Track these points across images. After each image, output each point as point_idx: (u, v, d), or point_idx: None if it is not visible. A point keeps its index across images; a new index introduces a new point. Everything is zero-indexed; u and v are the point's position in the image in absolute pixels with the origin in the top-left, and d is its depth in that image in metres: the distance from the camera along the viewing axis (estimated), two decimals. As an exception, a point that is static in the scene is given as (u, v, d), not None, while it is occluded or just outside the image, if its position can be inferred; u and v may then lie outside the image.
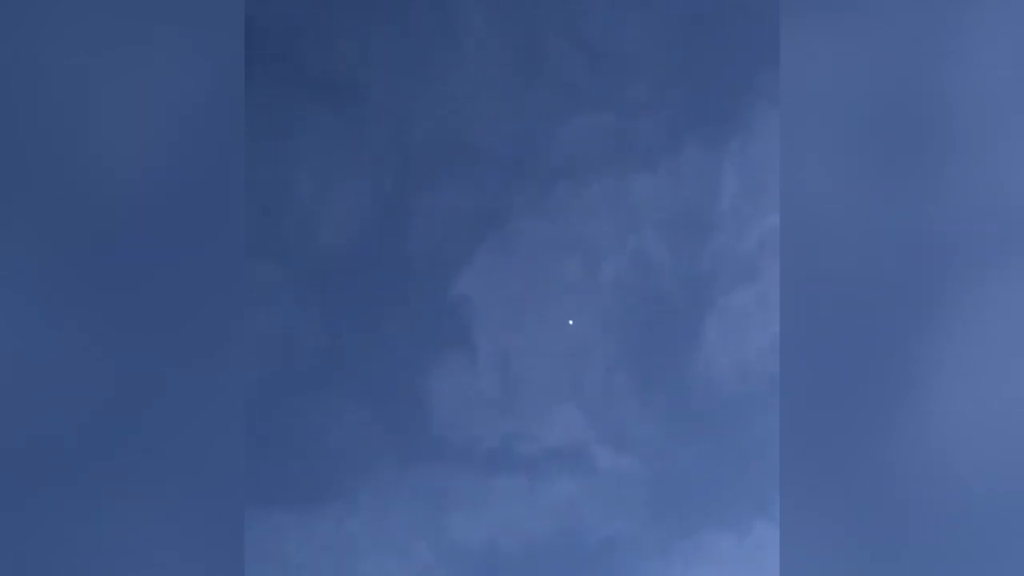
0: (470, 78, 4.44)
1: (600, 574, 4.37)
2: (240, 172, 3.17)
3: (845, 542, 3.06)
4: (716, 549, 4.35)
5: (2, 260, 3.09)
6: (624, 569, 4.36)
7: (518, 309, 4.38)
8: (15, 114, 3.11)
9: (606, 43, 4.43)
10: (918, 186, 3.11)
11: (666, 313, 4.37)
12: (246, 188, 4.30)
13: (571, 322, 4.33)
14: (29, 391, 3.09)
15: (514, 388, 4.38)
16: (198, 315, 3.15)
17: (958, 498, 3.05)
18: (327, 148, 4.42)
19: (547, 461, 4.37)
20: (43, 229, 3.11)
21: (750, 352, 4.37)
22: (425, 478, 4.36)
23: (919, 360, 3.08)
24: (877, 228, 3.09)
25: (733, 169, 4.38)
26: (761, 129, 4.38)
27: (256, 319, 4.37)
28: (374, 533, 4.34)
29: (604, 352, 4.37)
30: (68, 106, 3.14)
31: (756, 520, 4.34)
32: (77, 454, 3.10)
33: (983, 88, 3.10)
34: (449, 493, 4.36)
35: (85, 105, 3.14)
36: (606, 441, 4.36)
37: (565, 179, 4.40)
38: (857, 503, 3.06)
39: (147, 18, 3.15)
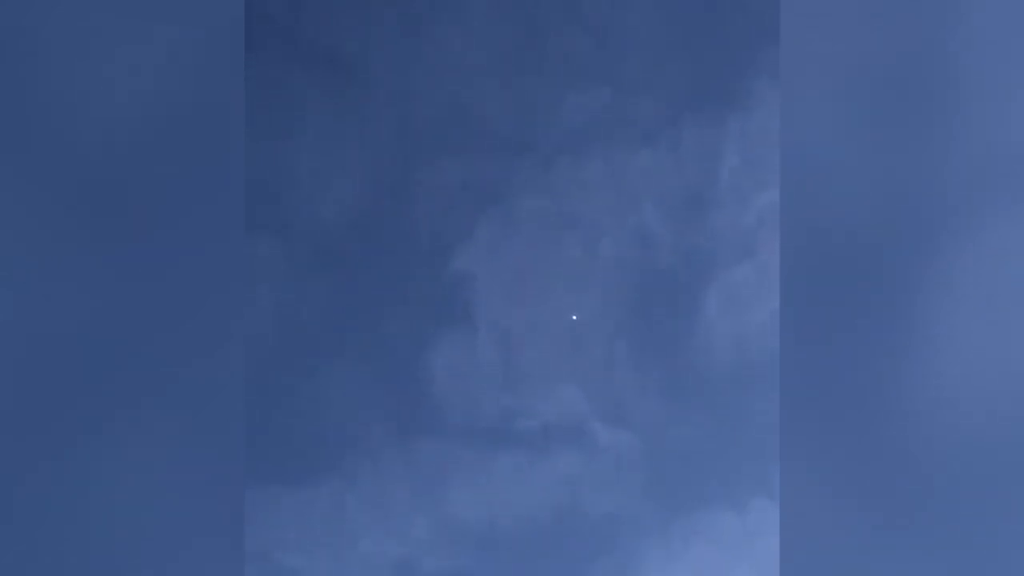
0: (471, 55, 4.42)
1: (599, 550, 4.37)
2: (240, 148, 3.16)
3: (845, 516, 3.06)
4: (715, 525, 4.35)
5: (10, 250, 3.08)
6: (623, 545, 4.37)
7: (518, 285, 4.38)
8: (12, 93, 3.10)
9: (606, 20, 4.42)
10: (916, 159, 3.10)
11: (666, 289, 4.37)
12: (247, 165, 4.29)
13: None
14: (25, 376, 3.09)
15: (514, 364, 4.38)
16: (198, 292, 3.15)
17: (960, 470, 3.05)
18: (328, 125, 4.41)
19: (547, 437, 4.37)
20: (46, 206, 3.10)
21: (749, 327, 4.37)
22: (424, 454, 4.37)
23: (918, 334, 3.07)
24: (875, 198, 3.08)
25: (733, 145, 4.37)
26: (760, 105, 4.37)
27: (256, 295, 4.37)
28: (373, 509, 4.35)
29: (604, 328, 4.37)
30: (69, 89, 3.12)
31: (755, 496, 4.35)
32: (79, 434, 3.10)
33: (983, 60, 3.08)
34: (448, 469, 4.36)
35: (86, 84, 3.13)
36: (606, 417, 4.36)
37: (565, 155, 4.39)
38: (857, 476, 3.06)
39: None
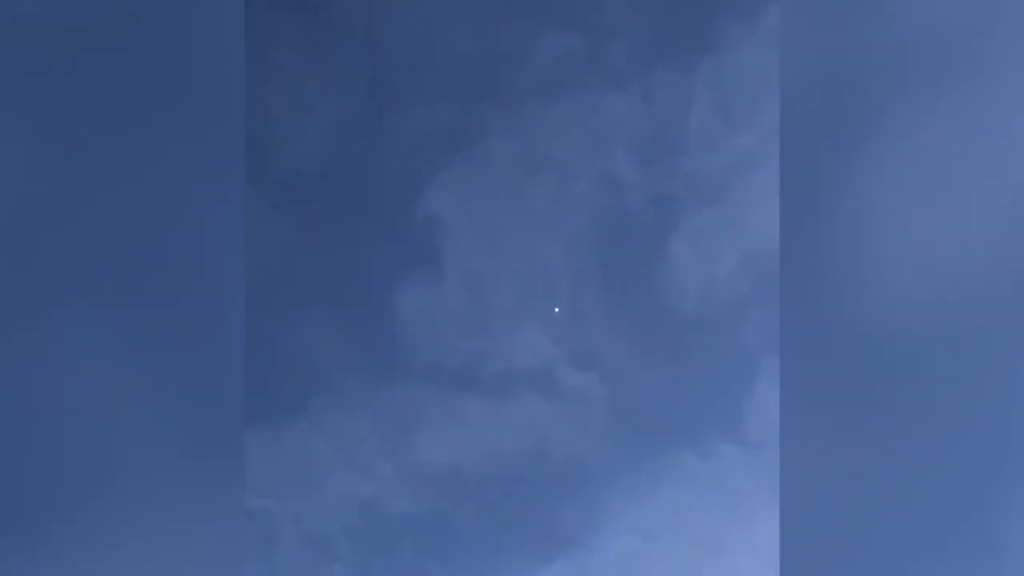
0: (442, -2, 4.40)
1: (566, 494, 4.39)
2: (241, 99, 3.14)
3: (846, 453, 3.07)
4: (681, 469, 4.37)
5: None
6: (589, 489, 4.38)
7: (487, 229, 4.37)
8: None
9: (580, -35, 4.40)
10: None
11: (635, 233, 4.37)
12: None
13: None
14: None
15: (482, 308, 4.38)
16: (195, 245, 3.14)
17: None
18: (299, 66, 4.39)
19: (514, 381, 4.38)
20: (47, 164, 3.09)
21: (717, 272, 4.38)
22: (392, 397, 4.37)
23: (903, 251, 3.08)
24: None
25: (704, 90, 4.36)
26: (732, 51, 4.36)
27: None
28: (340, 451, 4.35)
29: (572, 273, 4.37)
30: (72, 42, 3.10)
31: (721, 440, 4.37)
32: (70, 382, 3.10)
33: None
34: (416, 412, 4.37)
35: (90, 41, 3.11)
36: (573, 361, 4.37)
37: (536, 99, 4.38)
38: (856, 407, 3.07)
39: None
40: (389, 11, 4.39)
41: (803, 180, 3.06)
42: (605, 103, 4.37)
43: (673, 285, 4.37)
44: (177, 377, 3.11)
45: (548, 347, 4.37)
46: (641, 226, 4.37)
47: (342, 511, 4.36)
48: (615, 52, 4.37)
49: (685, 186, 4.36)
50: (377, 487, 4.36)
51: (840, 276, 3.06)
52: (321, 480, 4.35)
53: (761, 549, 4.35)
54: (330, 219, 4.38)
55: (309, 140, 4.38)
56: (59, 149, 3.09)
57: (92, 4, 3.10)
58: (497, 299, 4.38)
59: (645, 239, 4.37)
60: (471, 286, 4.38)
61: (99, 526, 3.08)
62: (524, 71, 4.38)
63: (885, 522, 3.04)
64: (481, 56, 4.39)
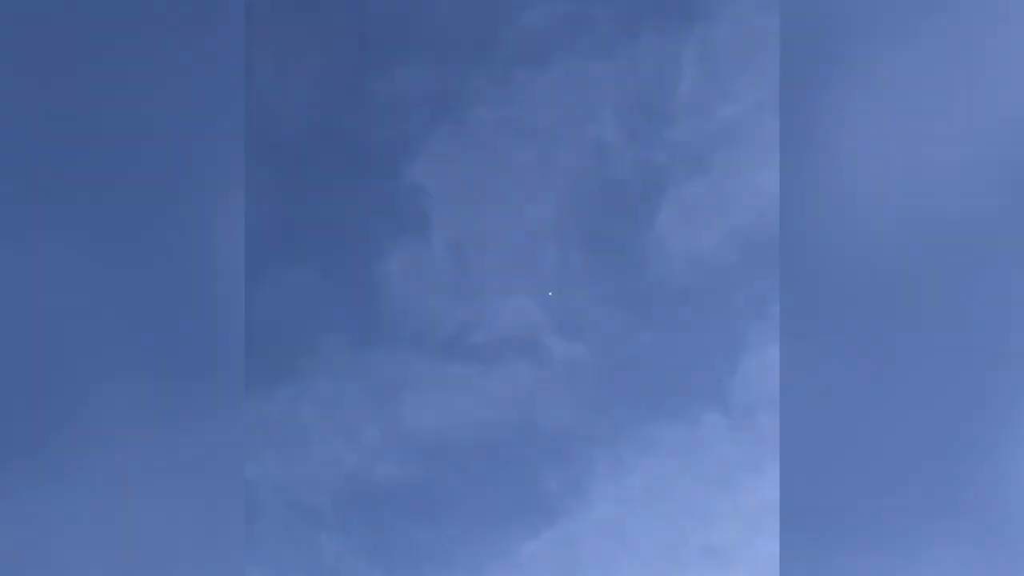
0: (430, -37, 4.37)
1: (552, 462, 4.39)
2: (240, 73, 3.13)
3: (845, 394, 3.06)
4: (667, 438, 4.37)
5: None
6: (575, 457, 4.38)
7: (474, 195, 4.36)
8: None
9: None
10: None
11: (622, 201, 4.35)
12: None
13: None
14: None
15: (468, 275, 4.37)
16: (193, 211, 3.14)
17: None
18: (284, 31, 4.36)
19: (501, 349, 4.37)
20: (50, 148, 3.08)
21: (706, 241, 4.36)
22: (379, 364, 4.36)
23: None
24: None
25: (692, 57, 4.34)
26: (720, 19, 4.33)
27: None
28: (327, 418, 4.35)
29: (559, 240, 4.36)
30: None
31: (707, 409, 4.36)
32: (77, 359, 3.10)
33: None
34: (402, 379, 4.36)
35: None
36: (560, 330, 4.36)
37: (523, 65, 4.35)
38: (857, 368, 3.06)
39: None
40: (377, -23, 4.36)
41: (802, 139, 3.05)
42: (593, 70, 4.34)
43: (661, 253, 4.36)
44: (176, 345, 3.11)
45: (535, 315, 4.36)
46: (629, 194, 4.35)
47: (328, 477, 4.36)
48: (603, 19, 4.35)
49: (673, 154, 4.34)
50: (363, 454, 4.36)
51: (840, 235, 3.04)
52: (307, 447, 4.35)
53: (747, 517, 4.35)
54: (317, 185, 4.36)
55: (295, 107, 4.36)
56: (60, 111, 3.08)
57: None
58: (484, 266, 4.37)
59: (633, 207, 4.35)
60: (458, 253, 4.37)
61: (97, 491, 3.08)
62: (512, 37, 4.36)
63: (886, 487, 3.04)
64: (468, 22, 4.37)
